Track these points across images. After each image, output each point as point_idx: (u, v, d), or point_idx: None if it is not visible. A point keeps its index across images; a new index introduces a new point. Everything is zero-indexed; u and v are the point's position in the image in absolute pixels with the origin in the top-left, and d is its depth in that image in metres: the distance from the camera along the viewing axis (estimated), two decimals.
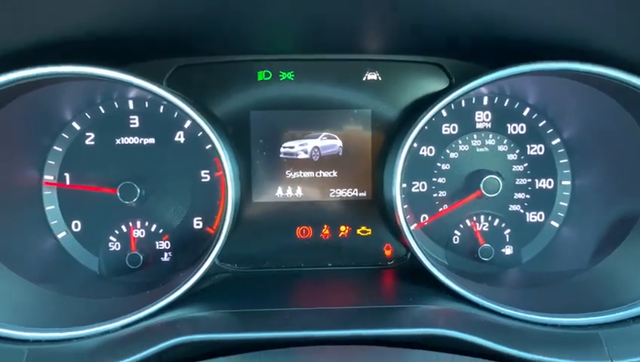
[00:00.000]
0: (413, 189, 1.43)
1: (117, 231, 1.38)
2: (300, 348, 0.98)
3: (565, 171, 1.42)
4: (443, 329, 0.99)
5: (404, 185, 1.41)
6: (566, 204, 1.43)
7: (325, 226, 1.44)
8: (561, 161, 1.42)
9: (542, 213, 1.44)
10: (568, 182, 1.43)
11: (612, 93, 1.18)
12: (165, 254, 1.40)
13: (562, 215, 1.43)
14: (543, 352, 0.97)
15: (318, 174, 1.43)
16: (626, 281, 1.16)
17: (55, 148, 1.35)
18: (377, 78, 1.41)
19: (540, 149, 1.42)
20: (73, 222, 1.37)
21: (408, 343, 1.00)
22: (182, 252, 1.40)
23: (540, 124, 1.41)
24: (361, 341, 1.00)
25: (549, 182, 1.43)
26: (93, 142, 1.36)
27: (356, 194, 1.44)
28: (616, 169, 1.30)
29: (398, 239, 1.42)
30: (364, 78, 1.41)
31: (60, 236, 1.37)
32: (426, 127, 1.23)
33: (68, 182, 1.36)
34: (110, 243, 1.38)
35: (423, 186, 1.43)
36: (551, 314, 1.09)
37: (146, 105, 1.36)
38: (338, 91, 1.41)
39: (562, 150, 1.42)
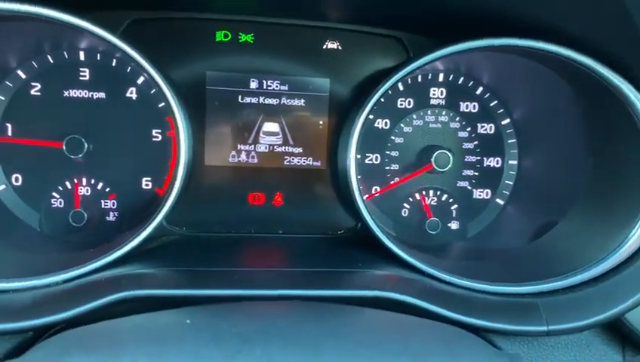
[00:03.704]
0: (367, 161, 1.44)
1: (61, 188, 1.33)
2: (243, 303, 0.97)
3: (512, 151, 1.47)
4: (390, 293, 1.00)
5: (358, 156, 1.41)
6: (511, 183, 1.48)
7: (278, 193, 1.44)
8: (509, 141, 1.47)
9: (488, 190, 1.48)
10: (515, 162, 1.47)
11: (561, 73, 1.22)
12: (111, 213, 1.36)
13: (507, 193, 1.48)
14: (485, 317, 1.01)
15: (274, 141, 1.42)
16: (562, 255, 1.20)
17: None
18: (337, 48, 1.40)
19: (490, 128, 1.46)
20: (14, 176, 1.31)
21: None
22: (128, 212, 1.36)
23: (492, 104, 1.45)
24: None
25: (497, 161, 1.48)
26: (39, 93, 1.30)
27: (310, 163, 1.43)
28: (559, 152, 1.35)
29: (350, 209, 1.43)
30: (324, 47, 1.40)
31: None
32: (383, 100, 1.24)
33: (10, 133, 1.29)
34: (53, 200, 1.33)
35: (377, 158, 1.44)
36: (493, 282, 1.13)
37: (98, 58, 1.31)
38: (298, 58, 1.40)
39: (511, 130, 1.46)
